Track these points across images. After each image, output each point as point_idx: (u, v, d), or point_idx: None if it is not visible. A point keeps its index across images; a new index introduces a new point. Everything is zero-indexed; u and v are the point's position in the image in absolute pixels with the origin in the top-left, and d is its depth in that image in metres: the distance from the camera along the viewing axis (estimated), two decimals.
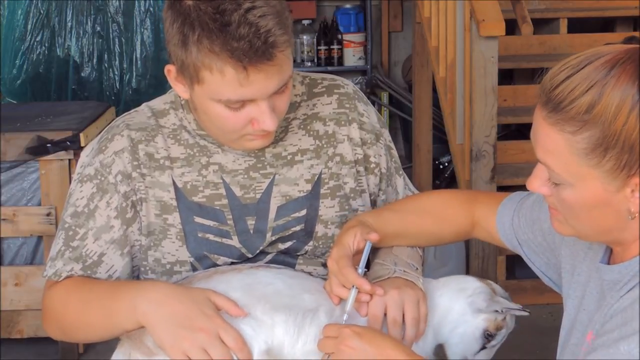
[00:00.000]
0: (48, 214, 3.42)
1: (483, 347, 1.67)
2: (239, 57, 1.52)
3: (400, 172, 1.89)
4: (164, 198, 1.70)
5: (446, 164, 5.18)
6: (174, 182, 1.71)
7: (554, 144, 1.33)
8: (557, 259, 1.60)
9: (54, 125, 3.54)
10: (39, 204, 3.44)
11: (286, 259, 1.75)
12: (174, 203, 1.70)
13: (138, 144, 1.71)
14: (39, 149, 3.39)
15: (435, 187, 5.15)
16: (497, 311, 1.66)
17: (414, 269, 1.70)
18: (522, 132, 5.01)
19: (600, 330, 1.38)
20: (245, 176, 1.73)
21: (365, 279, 1.60)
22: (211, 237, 1.70)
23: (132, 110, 1.79)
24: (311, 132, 1.77)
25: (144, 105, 1.79)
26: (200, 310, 1.55)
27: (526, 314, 1.67)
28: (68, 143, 3.38)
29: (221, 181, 1.72)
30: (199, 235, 1.70)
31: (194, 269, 1.71)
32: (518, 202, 1.68)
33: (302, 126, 1.77)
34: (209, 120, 1.66)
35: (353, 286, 1.59)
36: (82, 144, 3.39)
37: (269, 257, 1.74)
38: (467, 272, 3.95)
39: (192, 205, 1.70)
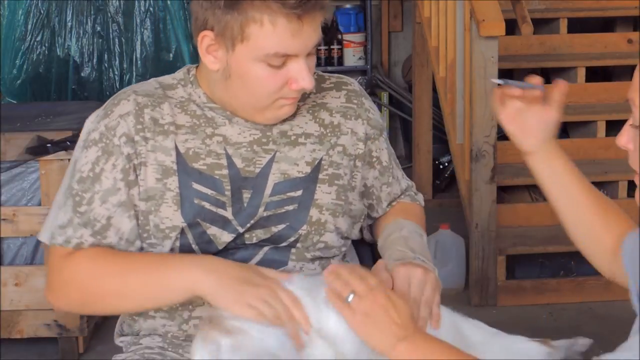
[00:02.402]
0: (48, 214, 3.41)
1: None
2: (293, 7, 1.59)
3: (397, 162, 1.95)
4: (165, 162, 1.72)
5: (446, 164, 5.17)
6: (176, 147, 1.72)
7: None
8: None
9: (54, 125, 3.53)
10: (39, 204, 3.43)
11: (277, 257, 1.75)
12: (174, 167, 1.71)
13: (144, 108, 1.73)
14: (39, 149, 3.38)
15: (435, 187, 5.16)
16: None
17: (429, 260, 1.76)
18: None
19: None
20: (249, 149, 1.74)
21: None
22: (207, 205, 1.72)
23: (140, 82, 1.82)
24: (317, 120, 1.81)
25: (152, 79, 1.82)
26: (256, 273, 1.63)
27: None
28: (68, 143, 3.37)
29: (224, 152, 1.73)
30: (195, 201, 1.71)
31: (183, 234, 1.71)
32: None
33: (310, 111, 1.81)
34: (244, 86, 1.68)
35: None
36: None
37: (261, 252, 1.75)
38: (467, 272, 3.95)
39: (192, 171, 1.72)
